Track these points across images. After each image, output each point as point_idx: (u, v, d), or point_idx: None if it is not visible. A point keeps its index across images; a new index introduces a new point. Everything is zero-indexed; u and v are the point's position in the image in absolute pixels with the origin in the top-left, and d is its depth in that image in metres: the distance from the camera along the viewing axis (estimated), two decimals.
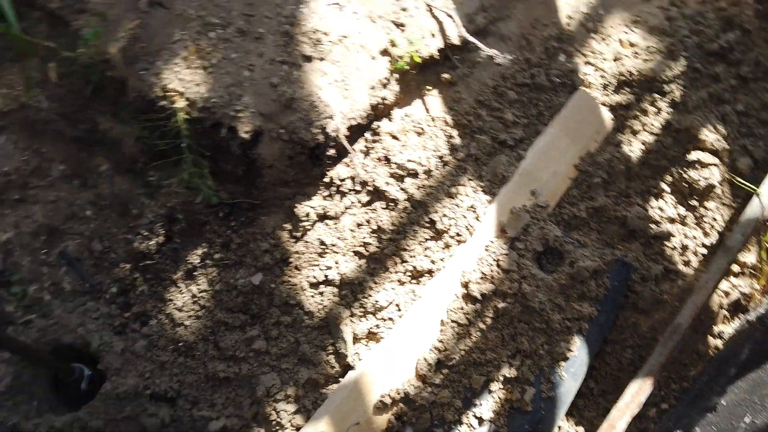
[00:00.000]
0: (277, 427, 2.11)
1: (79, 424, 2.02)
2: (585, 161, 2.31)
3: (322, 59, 1.74)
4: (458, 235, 2.15)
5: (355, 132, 1.90)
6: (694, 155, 2.27)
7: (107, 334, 2.14)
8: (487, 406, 2.05)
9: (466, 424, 2.05)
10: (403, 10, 2.07)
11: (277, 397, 2.10)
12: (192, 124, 1.77)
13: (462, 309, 2.10)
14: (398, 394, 2.04)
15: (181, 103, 1.73)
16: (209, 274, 2.12)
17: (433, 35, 2.10)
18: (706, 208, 2.28)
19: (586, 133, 2.34)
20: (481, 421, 2.04)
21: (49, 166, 2.25)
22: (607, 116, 2.37)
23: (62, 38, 1.85)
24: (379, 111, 1.98)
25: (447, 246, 2.15)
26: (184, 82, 1.73)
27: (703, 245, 2.25)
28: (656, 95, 2.35)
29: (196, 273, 2.13)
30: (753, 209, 2.17)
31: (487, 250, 2.14)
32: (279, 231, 2.04)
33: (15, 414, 2.01)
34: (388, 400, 2.04)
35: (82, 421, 2.03)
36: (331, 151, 1.87)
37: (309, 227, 2.04)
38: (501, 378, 2.07)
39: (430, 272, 2.13)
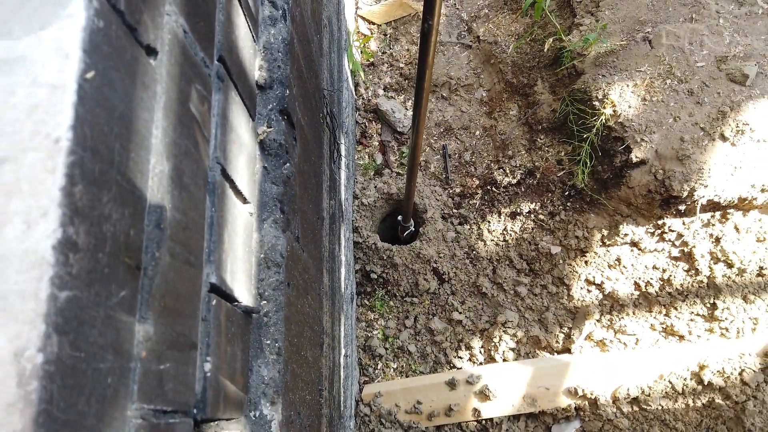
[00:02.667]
0: (492, 348, 2.68)
1: (389, 253, 2.82)
2: None
3: (733, 145, 2.07)
4: (726, 330, 2.39)
5: (711, 206, 2.23)
6: None
7: (437, 213, 2.87)
8: None
9: None
10: None
11: (507, 330, 2.65)
12: (602, 128, 2.28)
13: (684, 379, 2.38)
14: (590, 395, 2.45)
15: (608, 110, 2.23)
16: (526, 224, 2.69)
17: None
18: None
19: None
20: None
21: (477, 85, 2.98)
22: None
23: (564, 20, 2.46)
24: (742, 204, 2.26)
25: (710, 330, 2.41)
26: (622, 98, 2.22)
27: None
28: None
29: (518, 217, 2.72)
30: None
31: (740, 357, 2.36)
32: (595, 230, 2.50)
33: (362, 222, 2.88)
34: (579, 392, 2.46)
35: (391, 252, 2.82)
36: (682, 207, 2.23)
37: (618, 243, 2.47)
38: None
39: (681, 337, 2.44)
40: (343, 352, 2.24)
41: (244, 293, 0.94)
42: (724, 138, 2.11)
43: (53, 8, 0.53)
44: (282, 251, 1.10)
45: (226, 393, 0.82)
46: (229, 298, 0.87)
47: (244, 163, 1.00)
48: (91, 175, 0.50)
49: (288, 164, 1.20)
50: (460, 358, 2.71)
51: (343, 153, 2.55)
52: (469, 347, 2.70)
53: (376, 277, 2.84)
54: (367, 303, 2.90)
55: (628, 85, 2.21)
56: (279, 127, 1.16)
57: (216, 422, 0.80)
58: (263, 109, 1.17)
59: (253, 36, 1.13)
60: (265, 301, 1.05)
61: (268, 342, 1.03)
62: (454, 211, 2.88)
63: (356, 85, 3.15)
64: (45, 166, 0.47)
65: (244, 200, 1.00)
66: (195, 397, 0.72)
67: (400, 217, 2.78)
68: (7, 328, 0.43)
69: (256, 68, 1.14)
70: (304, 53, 1.46)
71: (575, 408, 2.48)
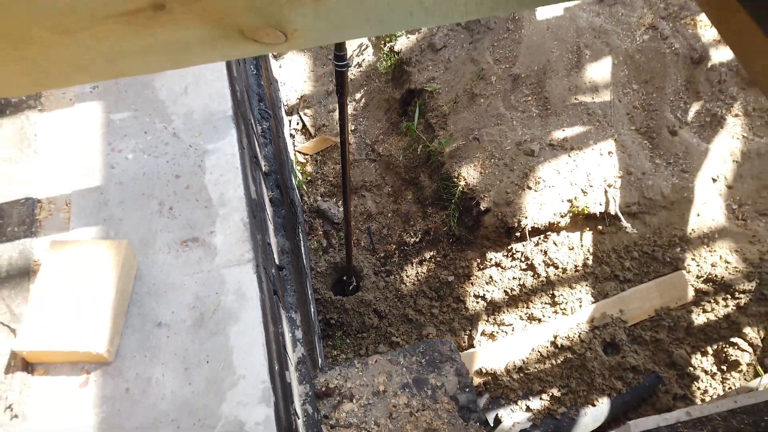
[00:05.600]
0: None
1: (341, 303, 3.88)
2: (662, 310, 3.56)
3: (536, 191, 3.42)
4: (564, 310, 3.58)
5: (535, 231, 3.52)
6: (736, 340, 3.37)
7: (370, 271, 4.01)
8: (536, 403, 3.40)
9: (520, 406, 3.42)
10: (590, 186, 3.64)
11: None
12: (461, 194, 3.59)
13: (547, 348, 3.50)
14: (491, 371, 3.50)
15: (462, 183, 3.56)
16: (429, 266, 3.88)
17: (600, 204, 3.63)
18: (731, 375, 3.34)
19: (672, 296, 3.60)
20: (528, 409, 3.39)
21: (384, 184, 4.30)
22: (690, 293, 3.60)
23: (429, 135, 3.86)
24: (553, 227, 3.56)
25: (556, 312, 3.59)
26: (469, 174, 3.56)
27: (717, 395, 3.32)
28: (728, 296, 3.52)
29: (423, 263, 3.91)
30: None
31: (577, 326, 3.52)
32: (473, 260, 3.72)
33: (319, 284, 3.96)
34: (484, 371, 3.50)
35: (342, 301, 3.89)
36: (518, 234, 3.51)
37: (488, 266, 3.68)
38: (551, 394, 3.40)
39: (539, 320, 3.60)
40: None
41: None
42: (529, 188, 3.46)
43: (225, 133, 1.73)
44: (284, 248, 2.22)
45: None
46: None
47: (270, 214, 2.16)
48: (252, 219, 1.68)
49: (282, 211, 2.36)
50: None
51: (301, 238, 3.70)
52: None
53: (334, 322, 3.87)
54: (330, 343, 3.89)
55: (471, 166, 3.57)
56: (275, 191, 2.35)
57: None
58: (268, 183, 2.35)
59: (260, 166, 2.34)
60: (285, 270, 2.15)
61: (289, 288, 2.12)
62: (382, 268, 4.03)
63: (301, 196, 4.39)
64: (241, 216, 1.65)
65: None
66: None
67: (345, 278, 3.90)
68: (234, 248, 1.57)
69: (263, 163, 2.34)
70: (279, 164, 2.69)
71: (483, 383, 3.51)
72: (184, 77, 1.82)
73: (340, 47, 2.09)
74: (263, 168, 2.32)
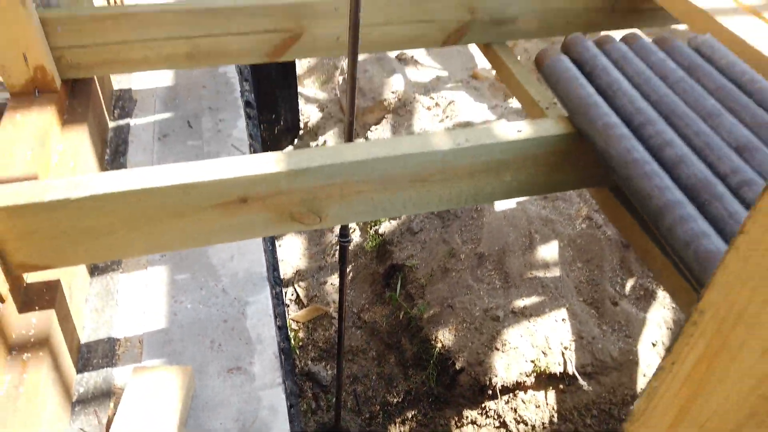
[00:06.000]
0: None
1: None
2: None
3: (503, 351, 3.93)
4: None
5: (505, 390, 3.94)
6: None
7: (356, 430, 4.26)
8: None
9: None
10: (549, 348, 4.17)
11: None
12: (439, 354, 4.07)
13: None
14: None
15: (438, 345, 4.06)
16: (411, 425, 4.17)
17: (559, 364, 4.12)
18: None
19: None
20: None
21: (369, 349, 4.74)
22: None
23: (409, 303, 4.45)
24: (521, 386, 3.99)
25: None
26: (445, 337, 4.08)
27: None
28: None
29: (406, 422, 4.21)
30: None
31: None
32: (451, 419, 4.05)
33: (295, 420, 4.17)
34: None
35: None
36: (490, 392, 3.93)
37: (465, 424, 4.01)
38: None
39: None
40: None
41: None
42: (497, 349, 3.98)
43: (261, 289, 2.32)
44: (292, 390, 2.66)
45: None
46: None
47: (283, 359, 2.64)
48: (279, 355, 2.22)
49: (291, 360, 2.83)
50: None
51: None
52: None
53: None
54: None
55: (446, 330, 4.11)
56: (286, 343, 2.83)
57: None
58: (281, 335, 2.84)
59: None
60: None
61: (296, 422, 2.51)
62: (368, 428, 4.30)
63: (293, 360, 4.78)
64: (273, 351, 2.20)
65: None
66: None
67: None
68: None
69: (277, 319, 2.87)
70: (285, 323, 3.20)
71: None
72: (231, 248, 2.44)
73: (345, 227, 2.77)
74: (278, 323, 2.84)
